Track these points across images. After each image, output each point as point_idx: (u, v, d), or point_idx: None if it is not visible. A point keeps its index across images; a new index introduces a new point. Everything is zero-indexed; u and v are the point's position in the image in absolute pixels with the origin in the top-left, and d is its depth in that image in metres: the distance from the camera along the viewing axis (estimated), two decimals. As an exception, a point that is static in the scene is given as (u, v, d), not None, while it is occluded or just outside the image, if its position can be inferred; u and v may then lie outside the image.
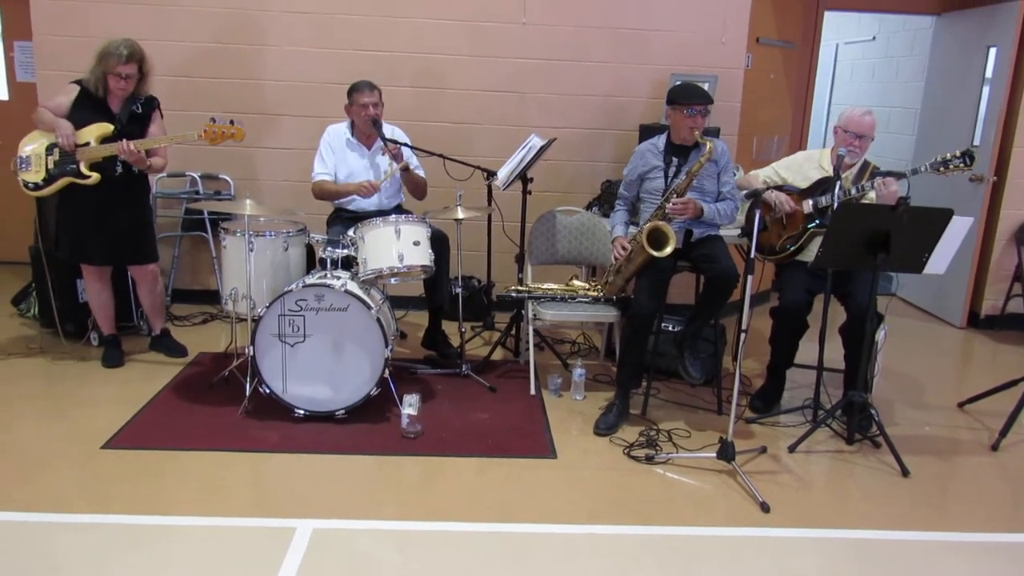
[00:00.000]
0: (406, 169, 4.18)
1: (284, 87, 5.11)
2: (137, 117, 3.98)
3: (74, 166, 3.86)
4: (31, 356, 4.31)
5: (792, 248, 3.86)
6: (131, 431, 3.48)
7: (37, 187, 3.92)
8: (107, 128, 3.88)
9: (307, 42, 5.06)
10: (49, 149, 3.89)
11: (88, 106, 3.91)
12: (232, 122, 3.87)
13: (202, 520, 2.82)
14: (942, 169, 3.57)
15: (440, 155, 4.31)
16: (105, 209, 3.98)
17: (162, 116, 4.09)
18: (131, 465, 3.19)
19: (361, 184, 4.13)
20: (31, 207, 4.66)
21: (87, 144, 3.85)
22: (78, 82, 3.94)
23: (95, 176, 3.88)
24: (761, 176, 4.01)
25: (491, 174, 4.38)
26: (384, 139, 4.10)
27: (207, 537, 2.73)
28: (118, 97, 3.94)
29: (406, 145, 4.21)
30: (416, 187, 4.31)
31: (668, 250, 3.57)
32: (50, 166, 3.89)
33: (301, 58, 5.08)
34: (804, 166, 3.96)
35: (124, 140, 3.82)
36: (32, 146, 3.93)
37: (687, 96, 3.68)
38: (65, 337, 4.46)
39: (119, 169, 3.95)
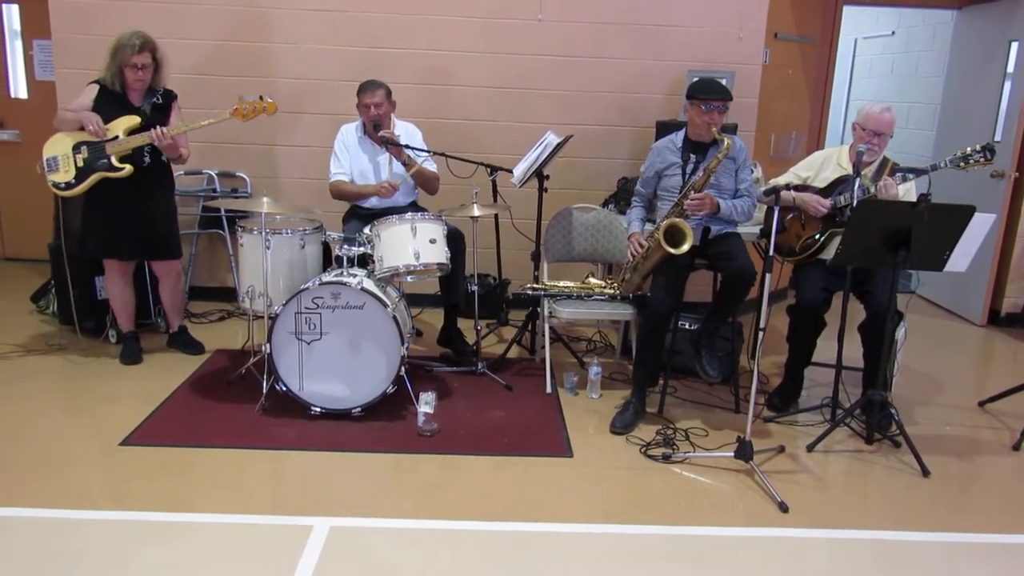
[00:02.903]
0: (405, 164, 4.17)
1: (300, 84, 5.11)
2: (159, 108, 4.02)
3: (105, 160, 3.88)
4: (50, 353, 4.34)
5: (813, 247, 3.83)
6: (149, 428, 3.50)
7: (68, 186, 3.92)
8: (135, 120, 3.91)
9: (323, 39, 5.06)
10: (76, 148, 3.90)
11: (109, 103, 3.93)
12: (261, 97, 3.92)
13: (219, 517, 2.83)
14: (962, 164, 3.53)
15: (441, 153, 4.30)
16: (134, 204, 4.02)
17: (180, 109, 4.12)
18: (149, 462, 3.21)
19: (380, 185, 4.13)
20: (51, 205, 4.70)
21: (115, 138, 3.88)
22: (97, 82, 3.97)
23: (128, 168, 3.90)
24: (782, 183, 3.96)
25: (495, 170, 4.36)
26: (383, 141, 4.09)
27: (224, 534, 2.74)
28: (137, 90, 3.97)
29: (404, 146, 4.16)
30: (426, 182, 4.30)
31: (685, 247, 3.54)
32: (79, 164, 3.90)
33: (316, 56, 5.08)
34: (822, 165, 3.93)
35: (157, 127, 3.85)
36: (57, 147, 3.94)
37: (704, 91, 3.65)
38: (83, 334, 4.49)
39: (147, 160, 3.98)
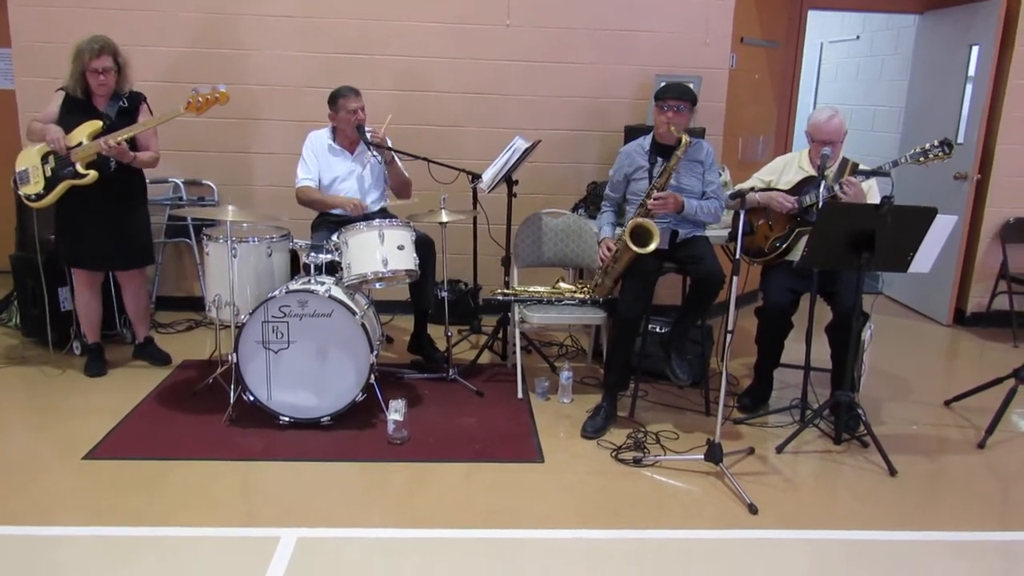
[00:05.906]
0: (391, 162, 4.17)
1: (266, 91, 5.07)
2: (125, 111, 3.97)
3: (70, 168, 3.84)
4: (12, 366, 4.25)
5: (781, 247, 3.86)
6: (113, 441, 3.44)
7: (39, 197, 3.90)
8: (96, 125, 3.86)
9: (290, 45, 5.03)
10: (44, 158, 3.88)
11: (75, 110, 3.89)
12: (214, 88, 3.86)
13: (185, 531, 2.78)
14: (922, 159, 3.57)
15: (424, 158, 4.29)
16: (102, 211, 3.97)
17: (151, 112, 4.06)
18: (114, 475, 3.15)
19: (350, 200, 4.10)
20: (12, 215, 4.61)
21: (79, 144, 3.84)
22: (63, 88, 3.92)
23: (92, 174, 3.85)
24: (746, 188, 3.99)
25: (476, 177, 4.36)
26: (367, 143, 4.09)
27: (190, 548, 2.69)
28: (102, 96, 3.93)
29: (391, 149, 4.18)
30: (401, 184, 4.29)
31: (652, 246, 3.55)
32: (48, 174, 3.88)
33: (284, 62, 5.04)
34: (784, 170, 3.97)
35: (103, 137, 3.80)
36: (27, 160, 3.93)
37: (662, 92, 3.69)
38: (47, 346, 4.40)
39: (113, 165, 3.92)
